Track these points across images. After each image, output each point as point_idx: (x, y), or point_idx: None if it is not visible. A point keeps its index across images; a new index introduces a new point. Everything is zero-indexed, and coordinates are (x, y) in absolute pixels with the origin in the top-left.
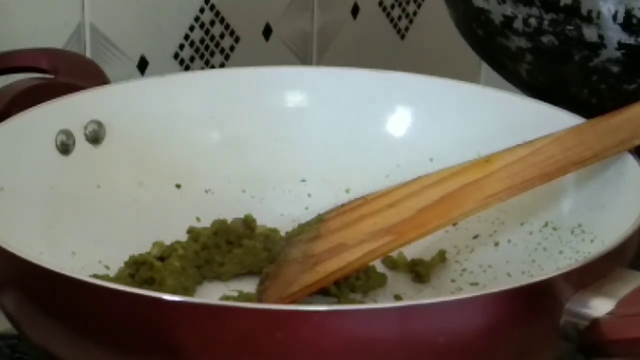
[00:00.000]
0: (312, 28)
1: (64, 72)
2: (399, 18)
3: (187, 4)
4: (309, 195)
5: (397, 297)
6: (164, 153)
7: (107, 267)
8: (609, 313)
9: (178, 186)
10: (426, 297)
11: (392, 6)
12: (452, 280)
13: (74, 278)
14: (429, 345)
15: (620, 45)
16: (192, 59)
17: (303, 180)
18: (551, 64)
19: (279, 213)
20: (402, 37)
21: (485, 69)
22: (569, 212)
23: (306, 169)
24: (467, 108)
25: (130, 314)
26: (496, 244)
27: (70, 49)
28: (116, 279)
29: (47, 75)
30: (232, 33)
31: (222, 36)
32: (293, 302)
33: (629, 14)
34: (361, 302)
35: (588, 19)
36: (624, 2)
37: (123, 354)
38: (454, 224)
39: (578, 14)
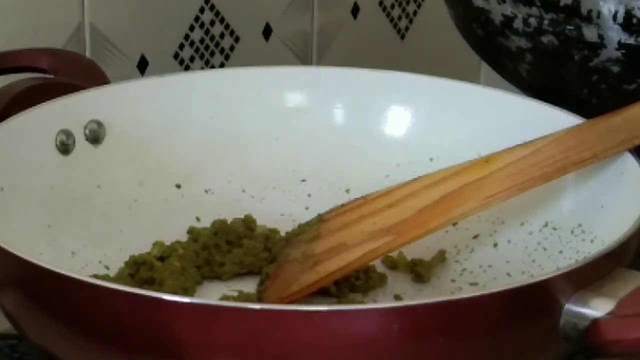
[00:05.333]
0: (312, 28)
1: (64, 72)
2: (399, 18)
3: (187, 4)
4: (309, 195)
5: (397, 297)
6: (164, 153)
7: (107, 267)
8: (609, 313)
9: (178, 186)
10: (426, 297)
11: (392, 6)
12: (452, 280)
13: (74, 278)
14: (429, 345)
15: (620, 45)
16: (192, 59)
17: (303, 180)
18: (551, 64)
19: (279, 213)
20: (402, 37)
21: (485, 69)
22: (569, 212)
23: (306, 169)
24: (467, 108)
25: (130, 314)
26: (496, 244)
27: (70, 49)
28: (116, 279)
29: (47, 75)
30: (232, 33)
31: (222, 36)
32: (293, 302)
33: (629, 14)
34: (361, 302)
35: (588, 19)
36: (624, 2)
37: (123, 353)
38: (454, 224)
39: (578, 14)
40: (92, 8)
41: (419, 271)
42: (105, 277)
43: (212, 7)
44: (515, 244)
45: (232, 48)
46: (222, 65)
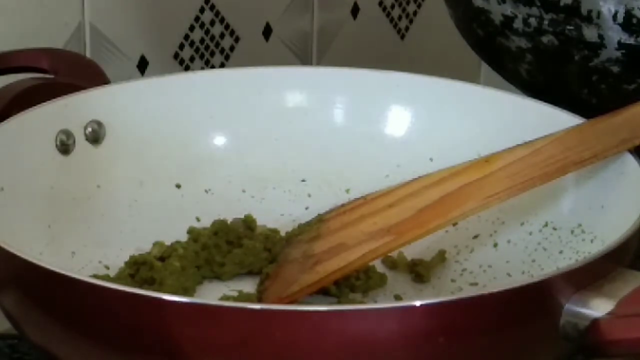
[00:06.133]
0: (312, 28)
1: (64, 72)
2: (399, 18)
3: (187, 4)
4: (309, 195)
5: (397, 297)
6: (164, 153)
7: (107, 267)
8: (609, 313)
9: (178, 186)
10: (426, 297)
11: (392, 6)
12: (452, 280)
13: (74, 278)
14: (429, 345)
15: (620, 45)
16: (192, 59)
17: (303, 180)
18: (551, 64)
19: (279, 213)
20: (402, 37)
21: (485, 69)
22: (569, 212)
23: (306, 169)
24: (467, 108)
25: (130, 314)
26: (496, 244)
27: (70, 49)
28: (116, 279)
29: (47, 75)
30: (232, 33)
31: (222, 36)
32: (293, 302)
33: (629, 14)
34: (361, 302)
35: (588, 19)
36: (624, 2)
37: (123, 354)
38: (454, 224)
39: (578, 14)
40: (92, 8)
41: (419, 271)
42: (105, 277)
43: (212, 7)
44: (515, 244)
45: (232, 48)
46: (222, 65)
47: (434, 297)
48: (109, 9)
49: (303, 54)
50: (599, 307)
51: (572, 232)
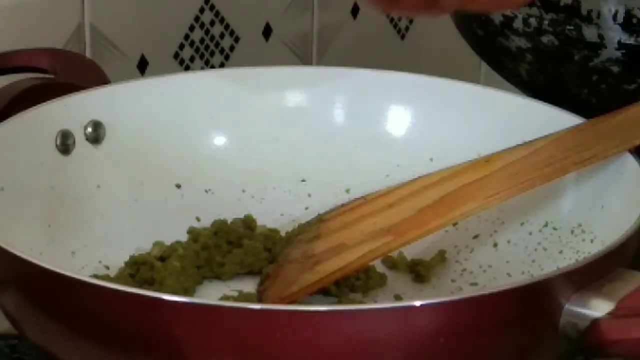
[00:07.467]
0: (312, 28)
1: (64, 72)
2: (399, 18)
3: (187, 4)
4: (309, 195)
5: (397, 297)
6: (164, 153)
7: (107, 267)
8: (609, 313)
9: (178, 186)
10: (426, 297)
11: None
12: (452, 280)
13: (74, 278)
14: (429, 345)
15: (620, 45)
16: (192, 59)
17: (303, 180)
18: (551, 64)
19: (279, 213)
20: (402, 37)
21: (485, 69)
22: (569, 212)
23: (306, 169)
24: (467, 108)
25: (130, 314)
26: (496, 244)
27: (70, 49)
28: (116, 279)
29: (47, 75)
30: (232, 33)
31: (222, 36)
32: (293, 302)
33: (629, 14)
34: (361, 302)
35: (588, 19)
36: (623, 2)
37: (123, 354)
38: (454, 224)
39: (578, 14)
40: (92, 8)
41: (419, 271)
42: (105, 277)
43: (212, 7)
44: (515, 244)
45: (232, 48)
46: (222, 65)
47: (434, 297)
48: (109, 9)
49: (303, 54)
50: (599, 307)
51: (572, 232)
